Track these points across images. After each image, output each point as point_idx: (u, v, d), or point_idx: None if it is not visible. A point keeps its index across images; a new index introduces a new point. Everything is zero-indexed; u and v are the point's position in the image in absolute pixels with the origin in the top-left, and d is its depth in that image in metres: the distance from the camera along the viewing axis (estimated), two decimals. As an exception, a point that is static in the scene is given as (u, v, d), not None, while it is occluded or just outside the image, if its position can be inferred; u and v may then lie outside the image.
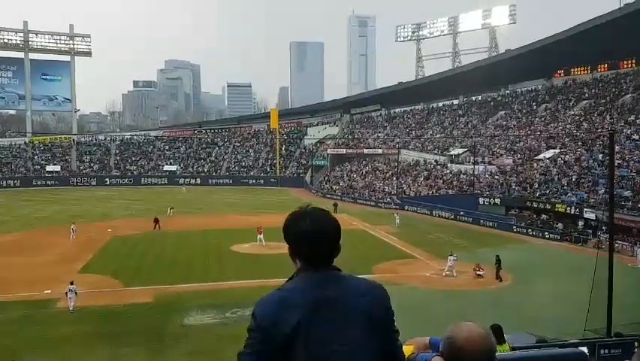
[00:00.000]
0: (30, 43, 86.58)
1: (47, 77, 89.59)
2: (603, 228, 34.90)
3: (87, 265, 30.19)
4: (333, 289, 1.99)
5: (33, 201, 60.20)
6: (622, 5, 52.05)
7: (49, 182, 77.53)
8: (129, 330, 19.98)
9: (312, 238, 2.01)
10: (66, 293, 22.13)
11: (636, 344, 11.25)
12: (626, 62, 59.26)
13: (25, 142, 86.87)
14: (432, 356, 2.06)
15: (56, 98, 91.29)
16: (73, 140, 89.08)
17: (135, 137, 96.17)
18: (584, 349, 11.11)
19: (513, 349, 10.67)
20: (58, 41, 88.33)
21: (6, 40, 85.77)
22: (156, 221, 41.44)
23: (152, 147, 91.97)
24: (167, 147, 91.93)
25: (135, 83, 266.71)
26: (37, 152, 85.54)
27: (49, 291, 23.72)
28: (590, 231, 38.56)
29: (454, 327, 2.00)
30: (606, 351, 10.24)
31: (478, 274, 27.81)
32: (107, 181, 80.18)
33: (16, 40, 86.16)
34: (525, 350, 10.58)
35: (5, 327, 20.10)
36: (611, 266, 16.84)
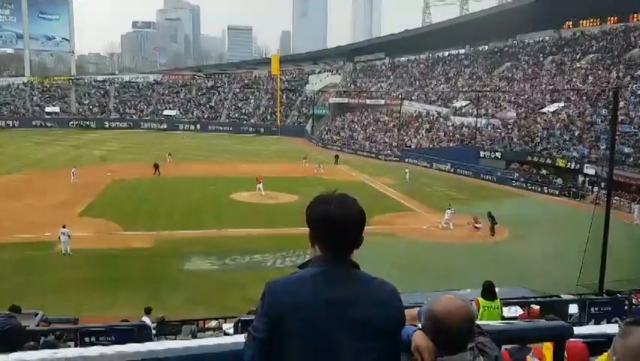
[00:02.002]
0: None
1: (45, 16, 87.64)
2: (602, 184, 34.95)
3: (87, 209, 30.40)
4: (349, 293, 1.91)
5: (32, 142, 60.00)
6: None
7: (48, 123, 77.10)
8: (128, 274, 20.30)
9: (335, 224, 1.93)
10: (59, 237, 22.36)
11: (626, 302, 11.42)
12: (636, 16, 57.64)
13: (23, 82, 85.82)
14: (414, 329, 2.05)
15: (54, 38, 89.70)
16: (72, 81, 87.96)
17: (134, 80, 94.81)
18: (575, 306, 11.34)
19: (505, 304, 10.89)
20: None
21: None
22: (156, 167, 41.47)
23: (151, 90, 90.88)
24: (166, 92, 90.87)
25: (134, 24, 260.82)
26: (36, 92, 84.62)
27: (49, 234, 23.95)
28: (590, 187, 38.65)
29: (433, 300, 2.03)
30: (596, 309, 10.39)
31: (476, 227, 28.03)
32: (106, 124, 79.71)
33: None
34: (513, 317, 10.79)
35: (4, 270, 20.39)
36: (607, 222, 16.91)
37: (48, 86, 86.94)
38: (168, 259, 22.36)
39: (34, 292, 17.69)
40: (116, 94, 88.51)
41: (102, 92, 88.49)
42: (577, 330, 3.41)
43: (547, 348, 5.34)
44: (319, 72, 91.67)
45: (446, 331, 1.92)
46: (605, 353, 1.89)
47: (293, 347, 1.86)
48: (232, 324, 10.77)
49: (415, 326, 2.13)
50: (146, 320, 12.38)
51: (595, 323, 9.64)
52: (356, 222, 1.96)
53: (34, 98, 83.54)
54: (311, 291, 1.89)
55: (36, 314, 10.13)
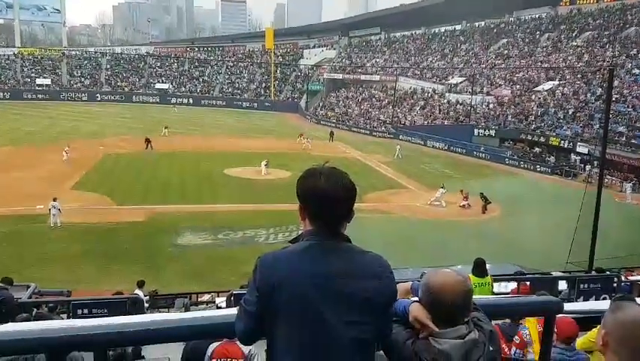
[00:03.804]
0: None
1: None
2: (595, 162, 35.11)
3: (80, 183, 30.25)
4: (340, 266, 1.90)
5: (23, 114, 59.31)
6: None
7: (39, 95, 76.02)
8: (121, 248, 20.36)
9: (324, 197, 1.92)
10: (49, 210, 22.29)
11: (615, 279, 11.58)
12: (634, -7, 57.18)
13: (14, 53, 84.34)
14: (410, 301, 2.08)
15: (45, 8, 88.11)
16: (64, 53, 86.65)
17: (126, 52, 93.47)
18: (564, 283, 11.49)
19: (495, 280, 11.00)
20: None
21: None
22: (148, 141, 41.12)
23: (143, 63, 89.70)
24: (158, 64, 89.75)
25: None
26: (27, 64, 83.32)
27: (42, 207, 23.84)
28: (582, 165, 38.86)
29: (430, 273, 2.05)
30: (586, 286, 10.54)
31: (462, 205, 28.21)
32: (97, 97, 78.72)
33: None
34: (504, 293, 10.93)
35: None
36: (598, 201, 17.04)
37: (39, 57, 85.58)
38: (161, 233, 22.41)
39: (26, 264, 17.70)
40: (108, 66, 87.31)
41: (94, 64, 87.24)
42: (566, 306, 3.45)
43: (531, 323, 5.40)
44: (314, 47, 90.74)
45: (443, 303, 1.95)
46: (595, 329, 1.90)
47: (284, 320, 1.87)
48: (225, 298, 10.85)
49: (410, 299, 2.15)
50: (139, 293, 12.45)
51: (584, 300, 9.78)
52: (346, 195, 1.94)
53: (25, 69, 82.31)
54: (301, 265, 1.88)
55: (28, 287, 10.15)
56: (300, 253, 1.92)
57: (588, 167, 36.88)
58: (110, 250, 20.06)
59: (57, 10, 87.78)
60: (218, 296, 13.18)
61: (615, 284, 11.07)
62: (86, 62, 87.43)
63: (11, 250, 19.50)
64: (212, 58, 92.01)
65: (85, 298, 10.31)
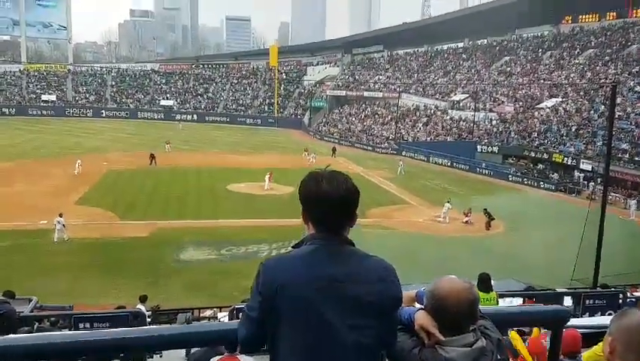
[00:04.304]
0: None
1: (42, 3, 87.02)
2: (598, 179, 35.05)
3: (83, 198, 30.32)
4: (343, 270, 1.88)
5: (28, 130, 59.69)
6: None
7: (44, 111, 76.59)
8: (124, 262, 20.33)
9: (326, 200, 1.90)
10: (54, 225, 22.33)
11: (621, 295, 11.50)
12: (635, 11, 57.61)
13: (19, 70, 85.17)
14: (415, 309, 2.06)
15: (51, 25, 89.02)
16: (69, 69, 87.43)
17: (131, 69, 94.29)
18: (569, 298, 11.41)
19: (500, 296, 10.92)
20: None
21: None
22: (152, 156, 41.29)
23: (148, 80, 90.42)
24: (163, 81, 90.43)
25: (132, 13, 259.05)
26: (33, 80, 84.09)
27: (45, 222, 23.89)
28: (586, 182, 38.77)
29: (436, 280, 2.02)
30: (591, 302, 10.46)
31: (465, 221, 28.17)
32: (103, 113, 79.23)
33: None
34: (511, 304, 10.85)
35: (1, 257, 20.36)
36: (602, 218, 16.97)
37: (44, 73, 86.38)
38: (164, 248, 22.38)
39: (28, 278, 17.64)
40: (113, 83, 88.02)
41: (99, 80, 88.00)
42: (572, 321, 3.42)
43: (515, 337, 5.27)
44: (317, 64, 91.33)
45: (448, 311, 1.92)
46: (601, 343, 1.89)
47: (287, 324, 1.85)
48: (227, 313, 10.79)
49: (415, 306, 2.13)
50: (142, 307, 12.39)
51: (589, 316, 9.69)
52: (348, 198, 1.93)
53: (31, 86, 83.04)
54: (305, 269, 1.87)
55: (30, 300, 10.12)
56: (304, 257, 1.90)
57: (592, 184, 36.80)
58: (113, 264, 20.03)
59: (63, 27, 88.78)
60: (220, 311, 13.11)
61: (621, 300, 10.98)
62: (91, 78, 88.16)
63: (14, 264, 19.48)
64: (216, 75, 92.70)
65: (87, 312, 10.26)
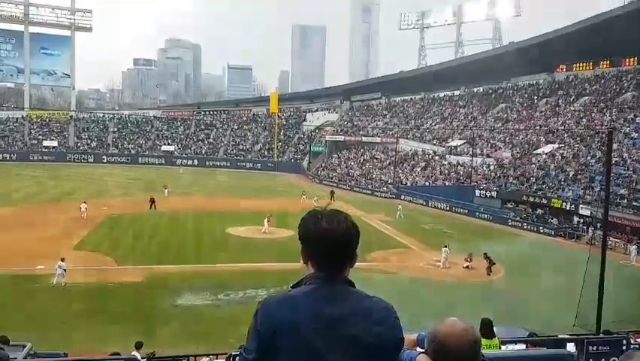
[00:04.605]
0: (31, 16, 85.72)
1: (47, 52, 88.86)
2: (597, 224, 35.00)
3: (81, 242, 30.17)
4: (342, 310, 1.85)
5: (28, 175, 59.96)
6: (626, 3, 51.78)
7: (45, 157, 77.20)
8: (120, 308, 20.04)
9: (326, 240, 1.88)
10: (56, 269, 22.15)
11: (624, 341, 11.32)
12: (627, 60, 59.01)
13: (22, 116, 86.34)
14: (417, 353, 2.02)
15: (55, 73, 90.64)
16: (72, 116, 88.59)
17: (133, 115, 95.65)
18: (572, 345, 11.22)
19: (503, 343, 10.75)
20: (60, 15, 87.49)
21: (6, 12, 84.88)
22: (152, 200, 41.32)
23: (150, 126, 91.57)
24: (165, 127, 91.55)
25: (135, 61, 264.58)
26: (35, 127, 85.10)
27: (43, 266, 23.70)
28: (585, 227, 38.71)
29: (437, 324, 1.99)
30: (594, 348, 10.30)
31: (465, 266, 27.96)
32: (104, 159, 79.87)
33: (16, 12, 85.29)
34: (514, 349, 10.68)
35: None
36: (603, 263, 16.88)
37: (47, 120, 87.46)
38: (161, 293, 22.09)
39: (23, 324, 17.35)
40: (115, 129, 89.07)
41: (101, 126, 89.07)
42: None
43: None
44: (316, 110, 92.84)
45: (450, 353, 1.87)
46: None
47: None
48: (224, 360, 10.58)
49: (416, 350, 2.11)
50: (137, 354, 12.15)
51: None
52: (348, 237, 1.91)
53: (33, 132, 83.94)
54: (303, 309, 1.83)
55: (24, 346, 9.94)
56: (302, 297, 1.87)
57: (591, 229, 36.71)
58: (109, 310, 19.74)
59: (67, 75, 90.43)
60: (217, 358, 12.84)
61: (624, 346, 10.80)
62: (93, 124, 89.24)
63: (9, 309, 19.20)
64: (217, 121, 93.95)
65: (81, 359, 10.07)
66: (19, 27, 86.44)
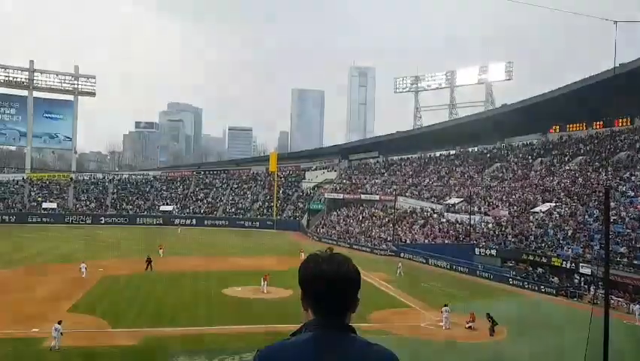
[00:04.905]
0: (35, 81, 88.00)
1: (50, 116, 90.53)
2: (599, 283, 34.64)
3: (76, 305, 29.69)
4: (340, 359, 1.77)
5: (24, 237, 59.64)
6: (616, 65, 53.36)
7: (44, 219, 77.05)
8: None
9: (326, 283, 1.82)
10: (52, 331, 21.73)
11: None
12: (620, 121, 60.30)
13: (22, 178, 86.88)
14: None
15: (57, 136, 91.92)
16: (72, 178, 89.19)
17: (133, 176, 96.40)
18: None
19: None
20: (63, 81, 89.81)
21: (11, 78, 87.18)
22: (149, 261, 40.92)
23: (149, 186, 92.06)
24: (164, 187, 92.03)
25: (137, 124, 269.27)
26: (35, 188, 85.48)
27: (37, 329, 23.26)
28: (586, 286, 38.27)
29: None
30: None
31: (468, 326, 27.45)
32: (102, 220, 79.73)
33: (21, 78, 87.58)
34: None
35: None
36: (606, 323, 16.63)
37: (47, 182, 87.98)
38: (155, 357, 21.56)
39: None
40: (114, 190, 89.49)
41: (100, 188, 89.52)
42: None
43: None
44: (315, 169, 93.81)
45: None
46: None
47: None
48: None
49: None
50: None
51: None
52: (349, 280, 1.85)
53: (32, 193, 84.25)
54: (302, 358, 1.77)
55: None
56: (301, 346, 1.80)
57: (593, 288, 36.30)
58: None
59: (68, 138, 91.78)
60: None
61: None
62: (93, 186, 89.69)
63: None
64: (217, 180, 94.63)
65: None
66: (23, 92, 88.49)
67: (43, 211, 79.56)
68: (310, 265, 1.89)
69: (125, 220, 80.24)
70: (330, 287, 1.83)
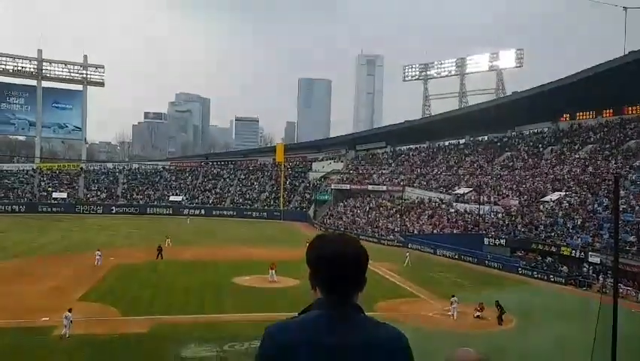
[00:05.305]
0: (43, 71, 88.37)
1: (59, 105, 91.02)
2: (608, 272, 34.50)
3: (87, 293, 30.00)
4: (350, 338, 1.78)
5: (35, 226, 60.22)
6: (626, 53, 52.86)
7: (54, 208, 77.67)
8: (124, 360, 19.73)
9: (334, 263, 1.83)
10: (63, 320, 22.00)
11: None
12: (630, 108, 59.73)
13: (32, 168, 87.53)
14: None
15: (67, 126, 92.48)
16: (82, 168, 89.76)
17: (143, 167, 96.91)
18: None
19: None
20: (72, 71, 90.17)
21: (20, 68, 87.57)
22: (159, 250, 41.31)
23: (159, 177, 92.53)
24: (173, 178, 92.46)
25: (146, 115, 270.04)
26: (45, 178, 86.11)
27: (47, 318, 23.56)
28: (595, 275, 38.14)
29: (450, 352, 1.94)
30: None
31: (476, 316, 27.47)
32: (113, 210, 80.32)
33: (30, 68, 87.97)
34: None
35: (1, 355, 19.90)
36: (615, 312, 16.57)
37: (57, 172, 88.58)
38: (165, 344, 21.79)
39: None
40: (124, 180, 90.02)
41: (111, 178, 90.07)
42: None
43: None
44: (322, 159, 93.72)
45: None
46: None
47: None
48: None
49: None
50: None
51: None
52: (357, 259, 1.86)
53: (43, 183, 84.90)
54: (309, 336, 1.77)
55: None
56: (309, 324, 1.81)
57: (602, 277, 36.18)
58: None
59: (78, 128, 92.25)
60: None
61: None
62: (103, 176, 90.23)
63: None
64: (225, 171, 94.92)
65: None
66: (32, 82, 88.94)
67: (53, 201, 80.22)
68: (318, 245, 1.91)
69: (136, 210, 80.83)
70: (338, 267, 1.84)
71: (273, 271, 34.40)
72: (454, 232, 54.64)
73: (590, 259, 38.99)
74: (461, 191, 63.24)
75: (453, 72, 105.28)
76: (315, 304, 1.88)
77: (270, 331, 1.84)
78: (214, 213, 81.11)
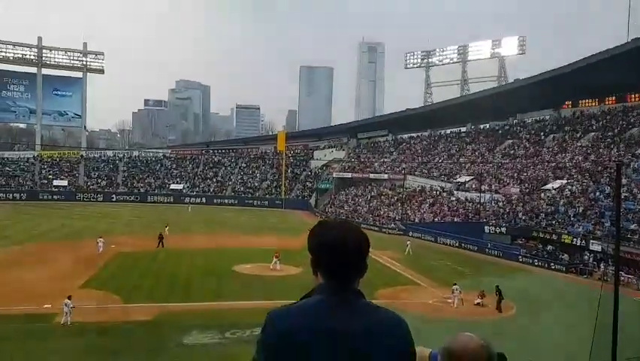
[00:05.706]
0: (43, 58, 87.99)
1: (59, 93, 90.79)
2: (609, 260, 34.54)
3: (89, 281, 30.08)
4: (351, 322, 1.80)
5: (37, 214, 60.31)
6: (629, 40, 52.39)
7: (55, 196, 77.78)
8: (126, 347, 19.83)
9: (335, 248, 1.86)
10: (63, 307, 22.08)
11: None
12: (633, 96, 59.40)
13: (33, 156, 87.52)
14: None
15: (67, 114, 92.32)
16: (82, 155, 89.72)
17: (143, 154, 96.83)
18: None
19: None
20: (72, 58, 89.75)
21: (19, 55, 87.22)
22: (160, 238, 41.36)
23: (159, 165, 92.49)
24: (174, 166, 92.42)
25: (146, 102, 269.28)
26: (45, 166, 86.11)
27: (49, 305, 23.63)
28: (596, 263, 38.20)
29: (450, 338, 1.93)
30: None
31: (477, 303, 27.54)
32: (113, 198, 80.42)
33: (29, 55, 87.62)
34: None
35: (2, 342, 19.97)
36: (616, 299, 16.57)
37: (57, 160, 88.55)
38: (167, 332, 21.87)
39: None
40: (125, 168, 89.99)
41: (111, 166, 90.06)
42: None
43: None
44: (324, 148, 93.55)
45: None
46: None
47: None
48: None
49: None
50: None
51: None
52: (358, 246, 1.88)
53: (43, 171, 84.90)
54: (311, 321, 1.79)
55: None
56: (310, 309, 1.83)
57: (603, 265, 36.24)
58: (116, 349, 19.53)
59: (78, 115, 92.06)
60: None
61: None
62: (103, 164, 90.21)
63: (17, 349, 19.07)
64: (226, 159, 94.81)
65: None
66: (32, 69, 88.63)
67: (53, 189, 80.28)
68: (319, 231, 1.93)
69: (137, 198, 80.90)
70: (340, 253, 1.86)
71: (277, 260, 34.44)
72: (455, 220, 54.67)
73: (592, 247, 39.02)
74: (462, 179, 63.18)
75: (455, 59, 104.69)
76: (316, 290, 1.91)
77: (271, 316, 1.86)
78: (215, 201, 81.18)
